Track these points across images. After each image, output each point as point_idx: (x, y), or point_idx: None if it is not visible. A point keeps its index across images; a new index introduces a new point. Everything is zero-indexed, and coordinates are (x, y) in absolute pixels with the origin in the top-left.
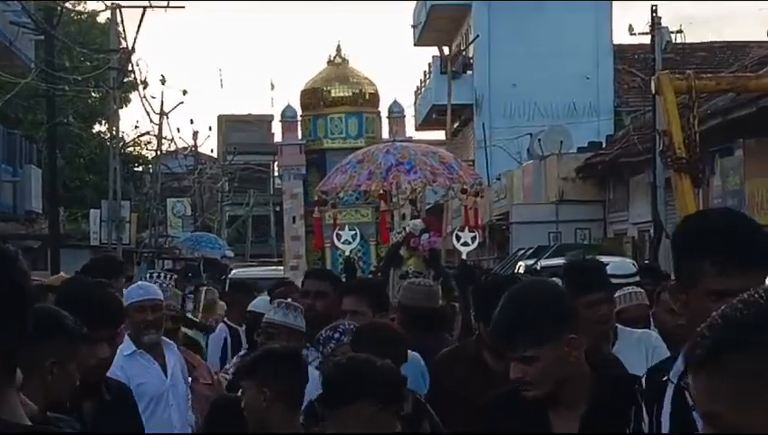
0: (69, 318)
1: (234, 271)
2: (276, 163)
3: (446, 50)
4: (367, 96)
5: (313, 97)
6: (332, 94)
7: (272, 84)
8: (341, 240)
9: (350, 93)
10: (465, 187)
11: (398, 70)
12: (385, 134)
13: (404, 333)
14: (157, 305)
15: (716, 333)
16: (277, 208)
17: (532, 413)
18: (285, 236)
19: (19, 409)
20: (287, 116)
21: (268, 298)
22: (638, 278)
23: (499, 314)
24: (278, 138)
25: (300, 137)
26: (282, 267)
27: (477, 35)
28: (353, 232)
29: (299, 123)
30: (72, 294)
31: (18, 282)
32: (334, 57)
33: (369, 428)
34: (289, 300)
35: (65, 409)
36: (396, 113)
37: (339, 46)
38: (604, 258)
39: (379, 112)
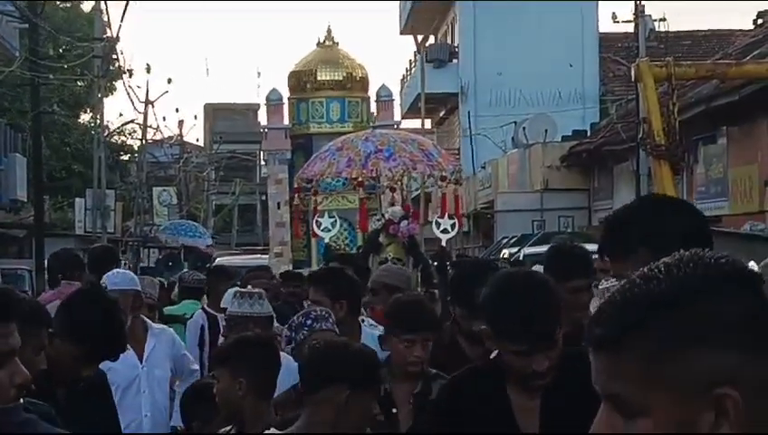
0: (25, 301)
1: (218, 259)
2: (261, 148)
3: (431, 39)
4: (357, 79)
5: (301, 80)
6: (321, 77)
7: (258, 72)
8: (321, 227)
9: (340, 77)
10: (444, 174)
11: (384, 58)
12: (375, 120)
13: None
14: (124, 295)
15: (616, 312)
16: (263, 197)
17: (493, 390)
18: (270, 223)
19: None
20: (272, 99)
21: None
22: None
23: (515, 308)
24: (264, 122)
25: (286, 121)
26: (266, 256)
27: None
28: (333, 219)
29: (285, 107)
30: (91, 308)
31: None
32: (324, 40)
33: (346, 411)
34: (249, 288)
35: (36, 393)
36: (384, 97)
37: (329, 28)
38: (589, 246)
39: (369, 97)
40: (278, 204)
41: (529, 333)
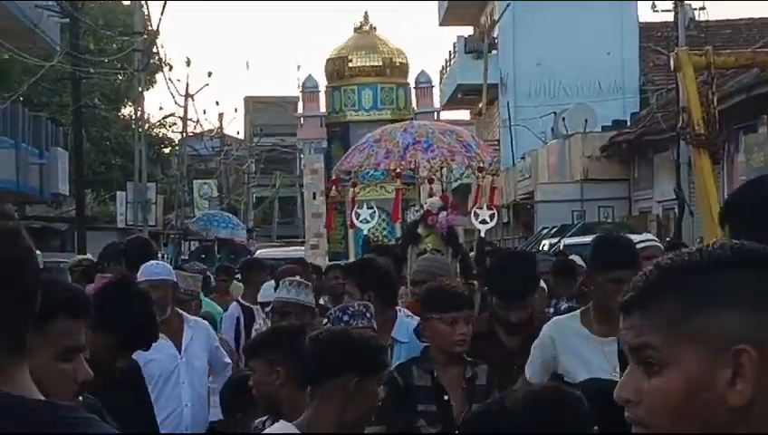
0: (75, 291)
1: (258, 252)
2: (297, 137)
3: (470, 30)
4: (396, 65)
5: (337, 66)
6: (357, 63)
7: (298, 65)
8: (360, 219)
9: (378, 63)
10: (481, 165)
11: (423, 50)
12: (415, 106)
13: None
14: (154, 284)
15: (649, 276)
16: (304, 190)
17: None
18: (306, 214)
19: (33, 386)
20: (308, 87)
21: (273, 283)
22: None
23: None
24: (299, 110)
25: (322, 109)
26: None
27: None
28: (371, 210)
29: (321, 95)
30: (123, 299)
31: (20, 257)
32: (361, 25)
33: (354, 398)
34: (298, 278)
35: None
36: (423, 84)
37: (366, 14)
38: (632, 236)
39: (408, 84)
40: (314, 194)
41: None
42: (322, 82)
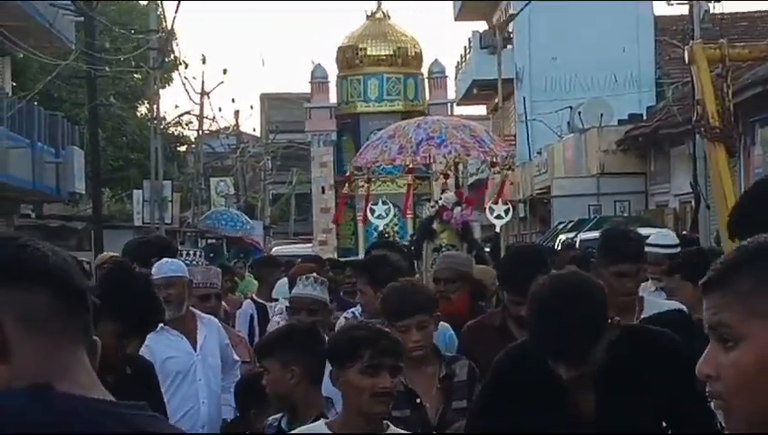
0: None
1: (274, 249)
2: (305, 129)
3: (484, 24)
4: (409, 55)
5: (349, 55)
6: (369, 52)
7: (312, 62)
8: (375, 215)
9: (390, 52)
10: (495, 160)
11: (438, 44)
12: (426, 97)
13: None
14: (170, 282)
15: (725, 259)
16: (312, 184)
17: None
18: (314, 208)
19: (94, 382)
20: (317, 77)
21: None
22: (679, 249)
23: (547, 329)
24: (301, 88)
25: (333, 100)
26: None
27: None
28: (387, 206)
29: (331, 86)
30: (124, 285)
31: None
32: (374, 12)
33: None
34: (314, 275)
35: None
36: (437, 74)
37: (380, 2)
38: (647, 230)
39: (421, 74)
40: (322, 188)
41: (555, 352)
42: (333, 73)
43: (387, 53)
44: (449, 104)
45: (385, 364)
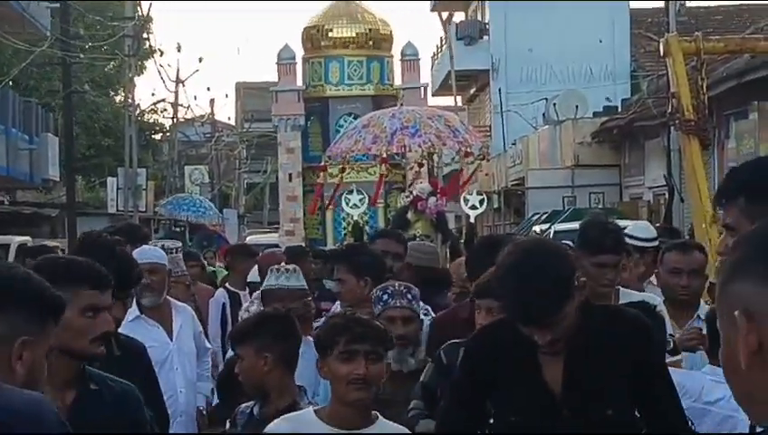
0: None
1: (248, 238)
2: (272, 113)
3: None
4: (379, 36)
5: (314, 36)
6: (338, 33)
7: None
8: (350, 204)
9: (359, 33)
10: (469, 151)
11: (415, 37)
12: (398, 81)
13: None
14: (155, 268)
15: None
16: (279, 171)
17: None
18: (280, 197)
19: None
20: (284, 58)
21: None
22: (658, 242)
23: (515, 290)
24: (276, 77)
25: (300, 83)
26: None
27: None
28: (361, 196)
29: (298, 67)
30: (93, 252)
31: None
32: None
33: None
34: (282, 265)
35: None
36: (409, 56)
37: None
38: (625, 222)
39: (392, 57)
40: (289, 176)
41: (521, 310)
42: (298, 52)
43: (351, 34)
44: (422, 88)
45: (360, 350)
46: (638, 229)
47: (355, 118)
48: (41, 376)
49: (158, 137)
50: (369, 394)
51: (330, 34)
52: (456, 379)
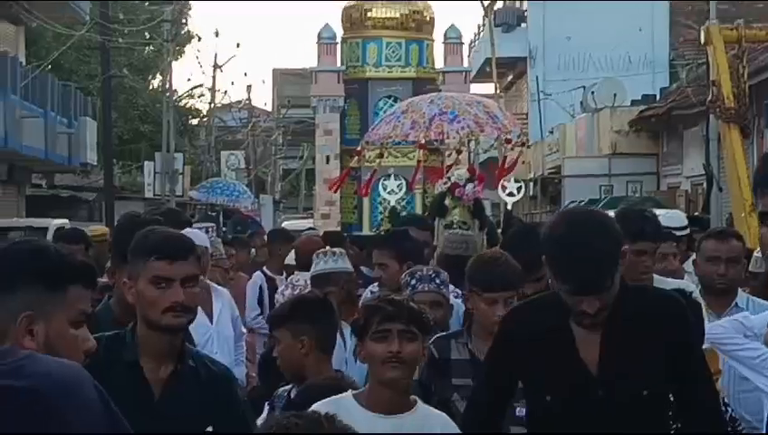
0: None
1: (284, 223)
2: (311, 93)
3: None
4: (422, 18)
5: (356, 15)
6: (379, 14)
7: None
8: (387, 190)
9: (401, 14)
10: (508, 137)
11: (453, 20)
12: (439, 63)
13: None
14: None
15: None
16: (316, 152)
17: (556, 320)
18: (317, 179)
19: None
20: (324, 37)
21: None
22: (688, 230)
23: (568, 252)
24: (313, 63)
25: (339, 64)
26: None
27: None
28: (399, 182)
29: (338, 47)
30: (134, 231)
31: None
32: None
33: None
34: (327, 248)
35: None
36: (452, 39)
37: None
38: (658, 211)
39: (434, 40)
40: (327, 158)
41: (577, 280)
42: (339, 32)
43: (393, 15)
44: (465, 73)
45: (393, 329)
46: (670, 218)
47: (395, 100)
48: (64, 347)
49: (194, 122)
50: (405, 374)
51: (369, 14)
52: (489, 359)
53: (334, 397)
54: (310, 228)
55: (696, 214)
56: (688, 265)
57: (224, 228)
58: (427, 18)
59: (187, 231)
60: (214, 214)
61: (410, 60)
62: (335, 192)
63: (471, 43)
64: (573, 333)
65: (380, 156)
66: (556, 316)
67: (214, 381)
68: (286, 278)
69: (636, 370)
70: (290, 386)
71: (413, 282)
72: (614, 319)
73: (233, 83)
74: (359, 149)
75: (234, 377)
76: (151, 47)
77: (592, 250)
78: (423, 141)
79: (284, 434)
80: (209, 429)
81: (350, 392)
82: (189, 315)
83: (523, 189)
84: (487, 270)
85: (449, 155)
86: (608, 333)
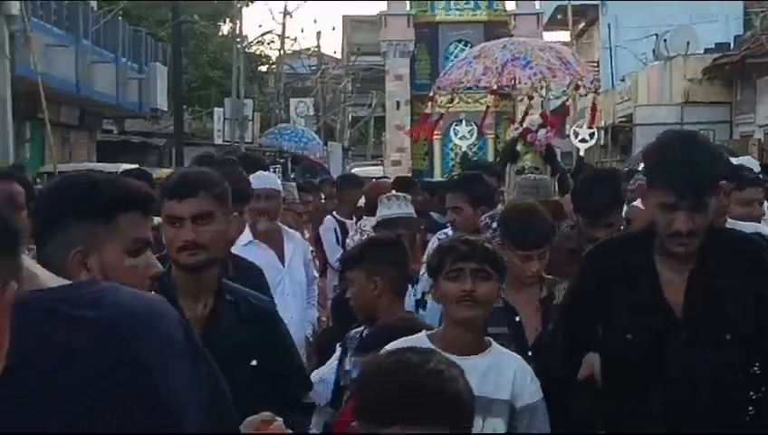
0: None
1: (353, 170)
2: (380, 38)
3: None
4: None
5: None
6: None
7: None
8: (458, 135)
9: None
10: (580, 83)
11: None
12: (510, 5)
13: None
14: (270, 194)
15: None
16: (386, 98)
17: (641, 257)
18: (387, 125)
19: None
20: None
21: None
22: (760, 176)
23: (668, 158)
24: (383, 7)
25: (408, 8)
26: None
27: None
28: (470, 128)
29: None
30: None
31: None
32: None
33: None
34: (392, 192)
35: None
36: None
37: None
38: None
39: None
40: (397, 103)
41: (678, 182)
42: None
43: None
44: (537, 16)
45: (466, 268)
46: (749, 162)
47: (465, 44)
48: (121, 277)
49: (264, 69)
50: (479, 313)
51: None
52: (569, 299)
53: (408, 337)
54: (383, 177)
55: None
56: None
57: (292, 175)
58: None
59: (259, 174)
60: (282, 160)
61: (480, 2)
62: (416, 140)
63: None
64: (658, 272)
65: (451, 101)
66: (641, 254)
67: (255, 315)
68: (356, 223)
69: (720, 313)
70: (362, 328)
71: (494, 225)
72: (701, 260)
73: (302, 30)
74: (430, 94)
75: (276, 310)
76: None
77: (697, 156)
78: (495, 87)
79: (398, 364)
80: (253, 363)
81: (423, 333)
82: (206, 253)
83: (595, 135)
84: (520, 228)
85: (521, 100)
86: (694, 274)
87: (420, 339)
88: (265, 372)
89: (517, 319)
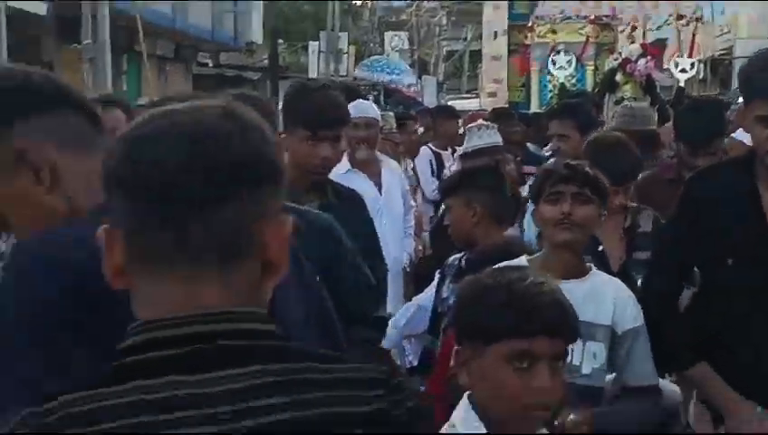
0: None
1: (450, 102)
2: None
3: None
4: None
5: None
6: None
7: None
8: (557, 66)
9: None
10: (681, 13)
11: None
12: None
13: None
14: (369, 123)
15: None
16: (483, 28)
17: (743, 182)
18: (483, 56)
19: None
20: None
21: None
22: None
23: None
24: None
25: None
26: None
27: None
28: (569, 58)
29: None
30: (295, 94)
31: None
32: None
33: None
34: (479, 122)
35: None
36: None
37: None
38: None
39: None
40: (494, 33)
41: None
42: None
43: None
44: None
45: (565, 192)
46: None
47: None
48: None
49: (359, 2)
50: (577, 236)
51: None
52: (671, 226)
53: (507, 262)
54: (481, 110)
55: None
56: None
57: (386, 107)
58: None
59: (358, 102)
60: (375, 93)
61: None
62: (523, 72)
63: None
64: (762, 199)
65: (551, 31)
66: (743, 179)
67: (312, 230)
68: (452, 154)
69: None
70: (461, 254)
71: None
72: None
73: None
74: (529, 24)
75: (334, 225)
76: None
77: None
78: (592, 17)
79: (497, 281)
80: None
81: (523, 257)
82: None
83: (695, 66)
84: (605, 163)
85: (622, 31)
86: None
87: (520, 263)
88: (328, 288)
89: (600, 248)
